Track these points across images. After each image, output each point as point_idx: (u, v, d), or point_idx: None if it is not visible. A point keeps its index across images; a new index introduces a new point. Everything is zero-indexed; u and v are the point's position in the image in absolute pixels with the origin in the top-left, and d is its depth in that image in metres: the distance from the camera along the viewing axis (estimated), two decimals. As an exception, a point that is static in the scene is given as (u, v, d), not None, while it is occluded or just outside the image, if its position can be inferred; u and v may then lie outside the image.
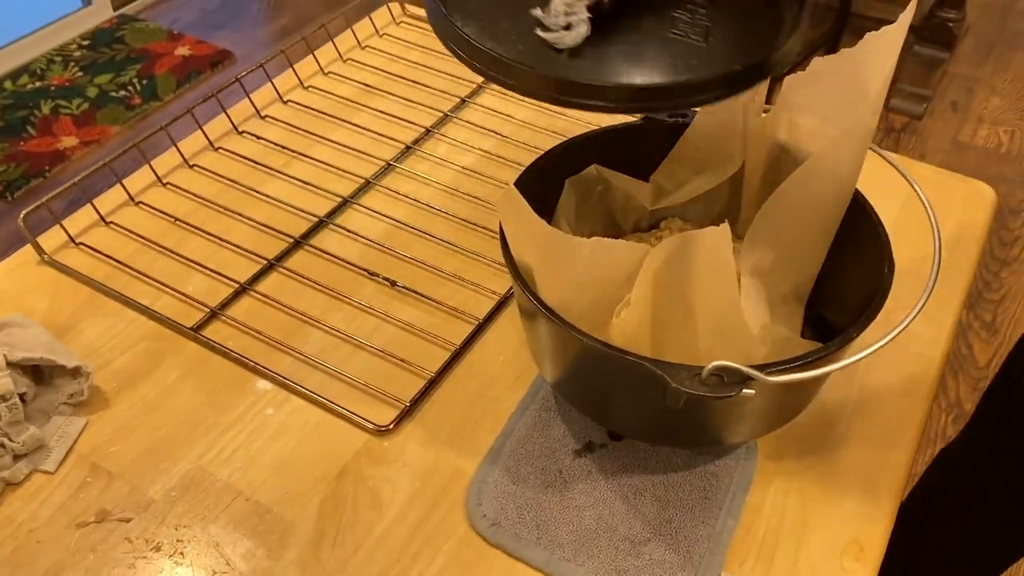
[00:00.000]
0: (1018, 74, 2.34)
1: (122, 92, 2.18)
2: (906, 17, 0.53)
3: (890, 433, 0.64)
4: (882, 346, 0.50)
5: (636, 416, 0.57)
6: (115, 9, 2.46)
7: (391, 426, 0.63)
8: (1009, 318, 1.71)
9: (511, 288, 0.72)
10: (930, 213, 0.58)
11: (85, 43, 2.34)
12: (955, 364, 1.63)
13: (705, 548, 0.56)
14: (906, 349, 0.69)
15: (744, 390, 0.48)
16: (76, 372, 0.64)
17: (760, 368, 0.48)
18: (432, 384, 0.66)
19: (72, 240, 0.76)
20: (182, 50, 2.33)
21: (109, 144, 2.04)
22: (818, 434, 0.64)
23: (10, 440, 0.60)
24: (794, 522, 0.59)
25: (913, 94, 2.21)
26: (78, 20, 2.38)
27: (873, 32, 0.53)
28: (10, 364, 0.61)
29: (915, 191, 0.59)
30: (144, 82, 2.21)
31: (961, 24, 2.27)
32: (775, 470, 0.61)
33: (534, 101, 0.92)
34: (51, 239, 0.76)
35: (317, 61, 0.97)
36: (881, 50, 0.54)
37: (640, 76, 0.53)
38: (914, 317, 0.51)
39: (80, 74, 2.23)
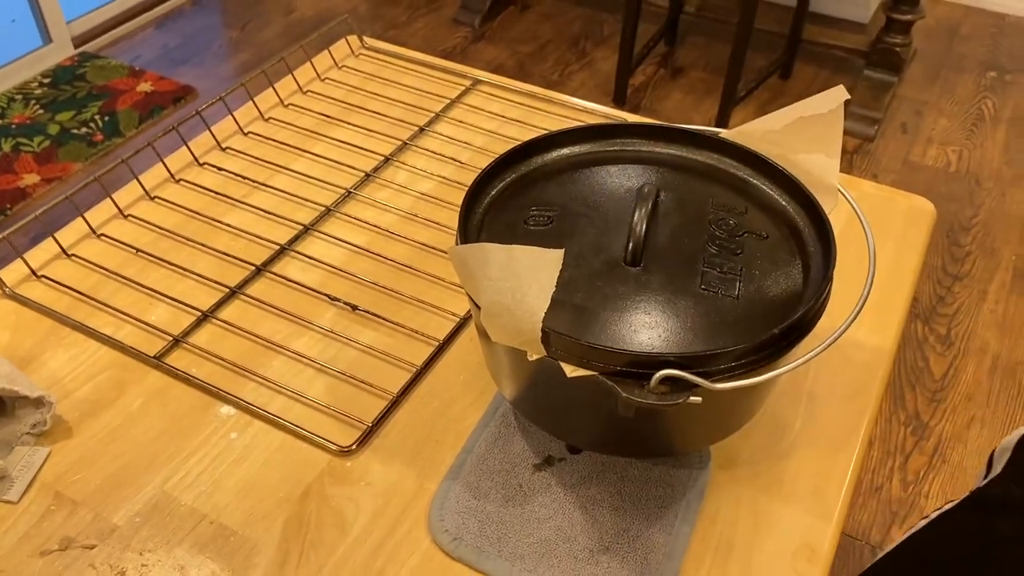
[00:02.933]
0: (963, 96, 2.41)
1: (84, 129, 2.18)
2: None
3: (837, 439, 0.66)
4: (822, 350, 0.52)
5: (591, 428, 0.59)
6: (76, 47, 2.47)
7: (353, 446, 0.64)
8: (963, 331, 1.76)
9: (470, 309, 0.74)
10: (863, 221, 0.60)
11: (46, 81, 2.34)
12: (912, 377, 1.67)
13: (662, 554, 0.58)
14: (852, 359, 0.72)
15: (691, 397, 0.50)
16: (39, 402, 0.64)
17: (705, 376, 0.50)
18: (394, 405, 0.67)
19: (34, 273, 0.77)
20: (144, 86, 2.34)
21: (71, 180, 2.03)
22: (768, 443, 0.66)
23: (-28, 471, 0.60)
24: (747, 527, 0.60)
25: (864, 116, 2.27)
26: (38, 58, 2.38)
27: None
28: (-28, 395, 0.61)
29: (850, 205, 0.62)
30: (106, 118, 2.21)
31: (908, 49, 2.35)
32: (728, 479, 0.63)
33: (488, 128, 0.95)
34: (12, 272, 0.77)
35: (277, 93, 0.98)
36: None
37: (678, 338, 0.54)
38: (853, 319, 0.53)
39: (41, 112, 2.23)
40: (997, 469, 0.83)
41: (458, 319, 0.74)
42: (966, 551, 0.86)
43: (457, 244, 0.57)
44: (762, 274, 0.58)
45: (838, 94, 0.62)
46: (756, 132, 0.65)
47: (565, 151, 0.67)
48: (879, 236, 0.83)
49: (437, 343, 0.71)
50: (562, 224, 0.61)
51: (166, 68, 2.44)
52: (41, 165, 2.07)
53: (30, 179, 2.02)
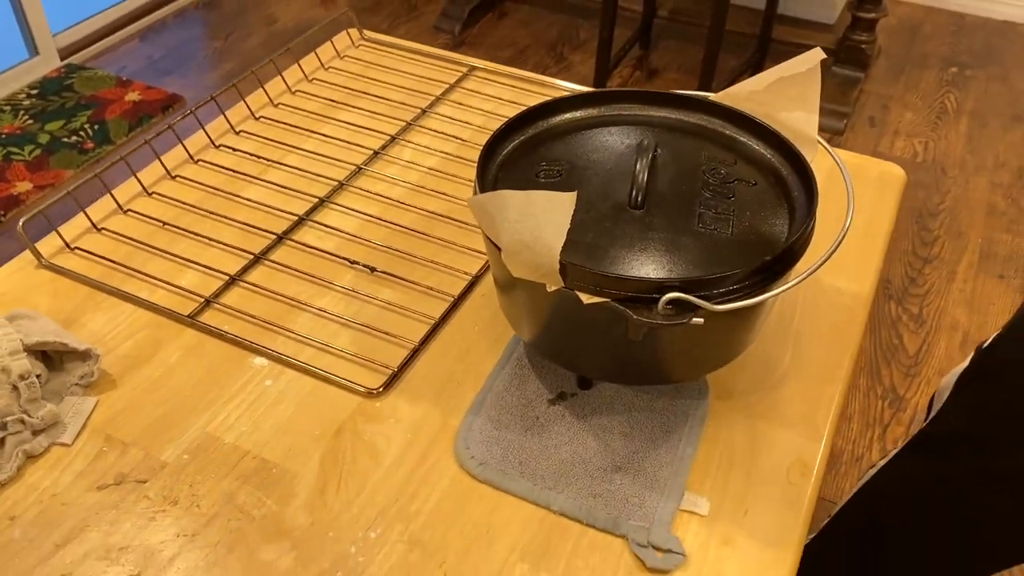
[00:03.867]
0: (927, 91, 2.51)
1: (74, 137, 2.22)
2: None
3: (823, 373, 0.72)
4: (811, 273, 0.58)
5: (603, 357, 0.65)
6: (62, 59, 2.50)
7: (381, 389, 0.69)
8: (934, 310, 1.84)
9: (482, 267, 0.80)
10: (839, 163, 0.67)
11: (34, 92, 2.37)
12: (887, 354, 1.74)
13: (669, 472, 0.64)
14: (834, 303, 0.78)
15: (694, 319, 0.56)
16: (86, 355, 0.69)
17: (706, 299, 0.56)
18: (415, 352, 0.72)
19: (67, 245, 0.81)
20: (132, 95, 2.38)
21: (67, 196, 2.06)
22: (761, 376, 0.72)
23: (29, 416, 0.64)
24: (744, 448, 0.66)
25: (833, 111, 2.36)
26: (25, 71, 2.41)
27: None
28: (25, 348, 0.66)
29: (826, 150, 0.68)
30: (96, 127, 2.25)
31: (873, 46, 2.44)
32: (725, 408, 0.69)
33: (486, 109, 1.01)
34: (47, 245, 0.81)
35: (285, 81, 1.04)
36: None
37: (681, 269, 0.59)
38: (838, 244, 0.59)
39: (31, 122, 2.26)
40: (937, 409, 0.89)
41: (471, 277, 0.79)
42: (915, 493, 0.91)
43: (475, 194, 0.63)
44: (752, 215, 0.64)
45: (815, 55, 0.68)
46: (741, 93, 0.71)
47: (568, 115, 0.73)
48: (857, 197, 0.89)
49: (452, 298, 0.77)
50: (570, 176, 0.67)
51: (152, 78, 2.48)
52: (33, 173, 2.10)
53: (23, 186, 2.05)
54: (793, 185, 0.66)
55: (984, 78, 2.57)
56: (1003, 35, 2.77)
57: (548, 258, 0.57)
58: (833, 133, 2.33)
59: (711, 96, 0.73)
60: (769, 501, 0.63)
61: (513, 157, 0.69)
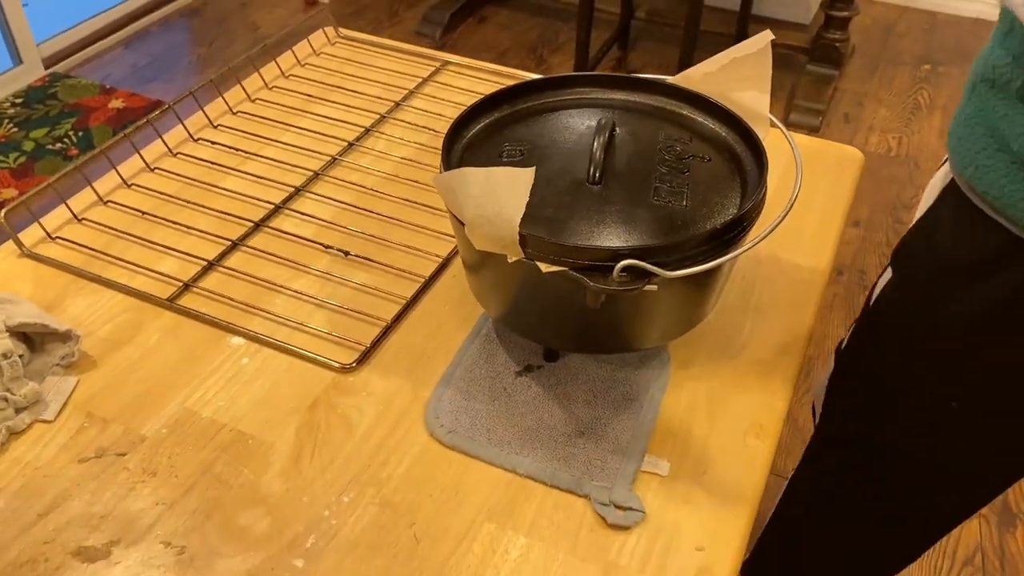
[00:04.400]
0: (900, 88, 2.56)
1: (59, 144, 2.23)
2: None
3: (782, 344, 0.75)
4: (759, 241, 0.61)
5: (565, 327, 0.67)
6: (46, 67, 2.52)
7: (354, 364, 0.72)
8: (908, 300, 1.87)
9: (452, 250, 0.82)
10: (791, 141, 0.70)
11: (18, 101, 2.39)
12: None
13: (631, 436, 0.66)
14: (793, 277, 0.81)
15: (648, 285, 0.59)
16: (66, 336, 0.71)
17: (661, 266, 0.59)
18: (388, 330, 0.75)
19: (49, 235, 0.84)
20: (116, 103, 2.40)
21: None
22: (721, 347, 0.74)
23: (12, 394, 0.67)
24: (704, 414, 0.69)
25: (809, 109, 2.40)
26: (9, 79, 2.43)
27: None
28: (8, 329, 0.68)
29: (775, 123, 0.71)
30: (80, 134, 2.27)
31: (847, 44, 2.49)
32: (686, 376, 0.72)
33: (459, 102, 1.03)
34: (28, 236, 0.84)
35: (262, 77, 1.06)
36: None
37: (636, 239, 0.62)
38: (787, 211, 0.62)
39: (15, 130, 2.28)
40: (817, 420, 0.89)
41: (441, 259, 0.82)
42: (818, 513, 0.92)
43: (441, 172, 0.65)
44: (706, 188, 0.67)
45: (764, 36, 0.71)
46: (696, 75, 0.74)
47: (531, 100, 0.76)
48: (816, 178, 0.93)
49: (423, 279, 0.79)
50: (532, 156, 0.69)
51: (136, 86, 2.50)
52: (18, 180, 2.11)
53: (8, 193, 2.07)
54: (746, 160, 0.69)
55: (957, 75, 2.61)
56: (974, 33, 2.82)
57: (508, 230, 0.59)
58: (809, 130, 2.37)
59: (668, 79, 0.76)
60: (727, 461, 0.65)
61: (478, 139, 0.72)
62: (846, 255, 1.98)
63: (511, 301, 0.68)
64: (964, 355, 0.68)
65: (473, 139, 0.72)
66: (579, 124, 0.73)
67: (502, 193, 0.60)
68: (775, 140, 0.73)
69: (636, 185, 0.66)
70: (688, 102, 0.74)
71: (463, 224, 0.63)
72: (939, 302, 0.68)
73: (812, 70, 2.48)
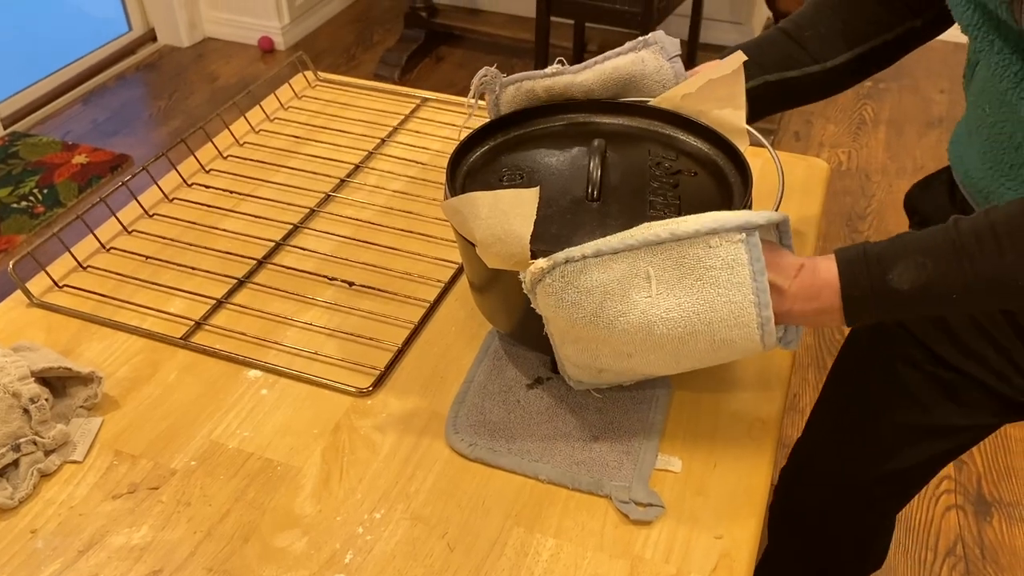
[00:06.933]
0: (846, 105, 2.67)
1: (24, 203, 2.22)
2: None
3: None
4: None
5: (574, 338, 0.71)
6: (6, 127, 2.51)
7: (371, 388, 0.74)
8: (871, 305, 1.94)
9: (453, 274, 0.86)
10: (770, 150, 0.75)
11: (-21, 161, 2.38)
12: (832, 348, 1.83)
13: (642, 438, 0.70)
14: (776, 282, 0.86)
15: (654, 291, 0.63)
16: (88, 379, 0.73)
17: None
18: (400, 354, 0.78)
19: (56, 284, 0.85)
20: (79, 158, 2.40)
21: (19, 250, 2.07)
22: (717, 349, 0.79)
23: (40, 437, 0.68)
24: (708, 411, 0.73)
25: (760, 129, 2.48)
26: (-32, 141, 2.42)
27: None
28: (32, 374, 0.70)
29: (753, 134, 0.76)
30: (45, 191, 2.26)
31: (792, 66, 2.59)
32: (688, 376, 0.76)
33: (442, 135, 1.07)
34: (36, 285, 0.85)
35: (248, 121, 1.09)
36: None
37: None
38: (777, 207, 0.67)
39: (-22, 190, 2.27)
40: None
41: (443, 284, 0.85)
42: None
43: (446, 199, 0.69)
44: (697, 200, 0.71)
45: (737, 57, 0.77)
46: (676, 96, 0.79)
47: (522, 128, 0.80)
48: (788, 189, 0.98)
49: (429, 303, 0.83)
50: (531, 179, 0.73)
51: (98, 140, 2.51)
52: (-15, 240, 2.10)
53: (-24, 253, 2.06)
54: (729, 172, 0.74)
55: (897, 89, 2.73)
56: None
57: (519, 247, 0.63)
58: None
59: (650, 102, 0.81)
60: (735, 453, 0.69)
61: (476, 167, 0.76)
62: (809, 266, 2.05)
63: (520, 316, 0.71)
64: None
65: (472, 167, 0.76)
66: (571, 147, 0.77)
67: (510, 213, 0.64)
68: (748, 153, 0.78)
69: (632, 200, 0.71)
70: (671, 122, 0.79)
71: (473, 245, 0.66)
72: None
73: (761, 92, 2.57)
